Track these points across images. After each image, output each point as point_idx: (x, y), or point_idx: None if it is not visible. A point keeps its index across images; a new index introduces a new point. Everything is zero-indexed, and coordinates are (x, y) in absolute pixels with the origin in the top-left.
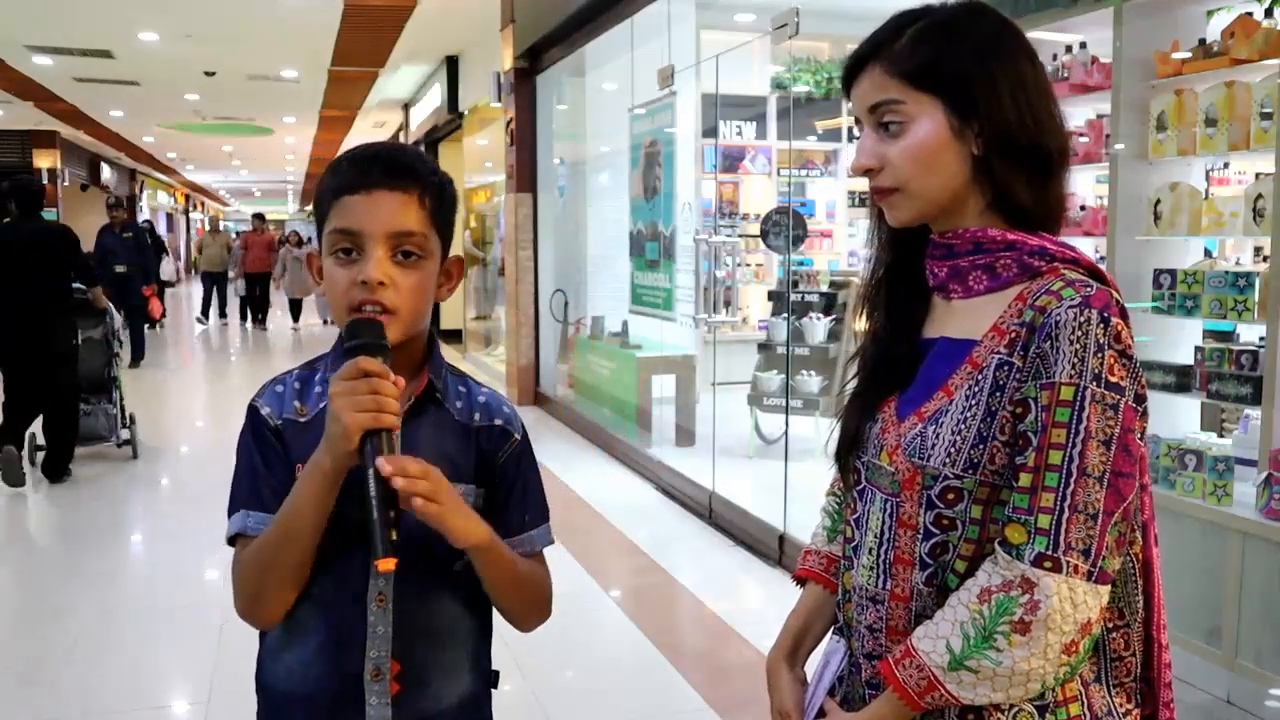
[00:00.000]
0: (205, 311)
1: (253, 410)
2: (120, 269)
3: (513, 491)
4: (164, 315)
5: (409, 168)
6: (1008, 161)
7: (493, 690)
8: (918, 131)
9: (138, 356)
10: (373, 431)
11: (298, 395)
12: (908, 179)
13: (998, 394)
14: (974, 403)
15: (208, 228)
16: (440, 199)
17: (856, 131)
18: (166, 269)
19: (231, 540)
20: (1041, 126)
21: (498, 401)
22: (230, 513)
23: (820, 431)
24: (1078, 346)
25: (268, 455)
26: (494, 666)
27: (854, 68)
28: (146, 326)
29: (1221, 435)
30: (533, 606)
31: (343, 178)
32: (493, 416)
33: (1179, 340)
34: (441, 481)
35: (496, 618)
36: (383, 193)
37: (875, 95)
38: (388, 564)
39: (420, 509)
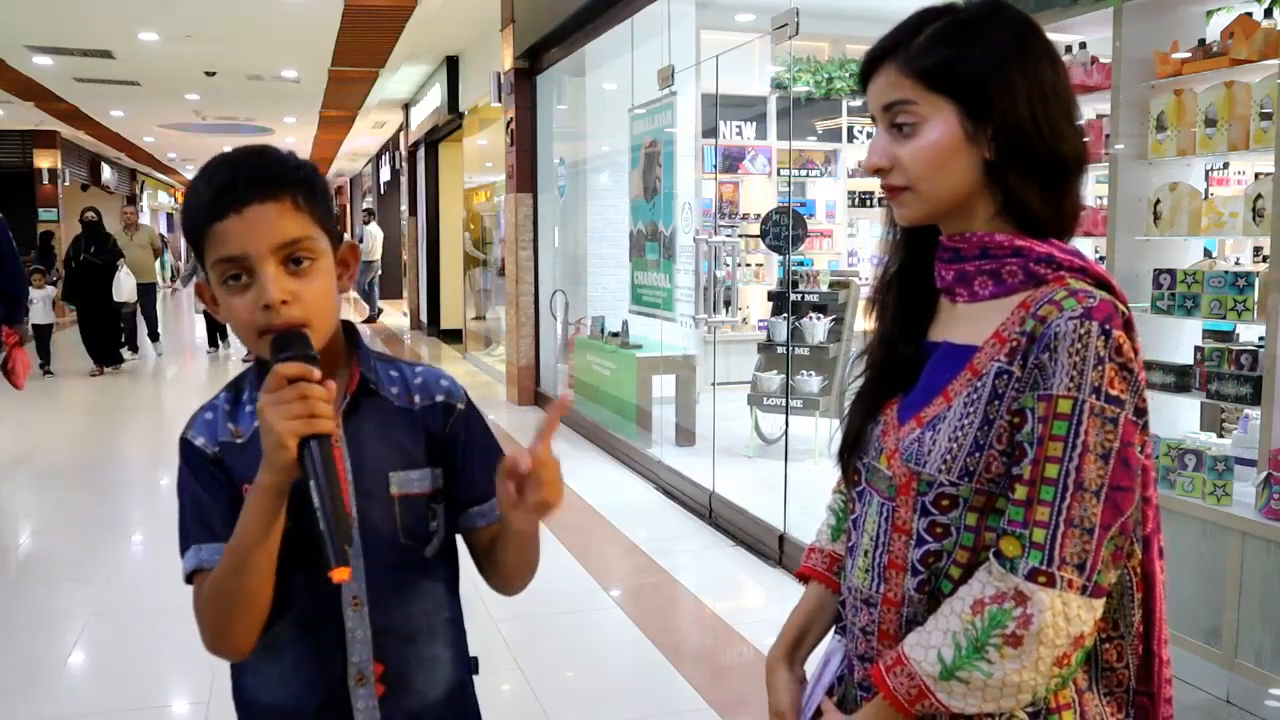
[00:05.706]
0: (124, 342)
1: (185, 443)
2: None
3: (470, 456)
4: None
5: (273, 173)
6: (1020, 168)
7: (474, 676)
8: (929, 133)
9: None
10: (309, 437)
11: (229, 417)
12: (917, 180)
13: (996, 402)
14: (972, 410)
15: (122, 222)
16: (313, 193)
17: (863, 129)
18: (125, 286)
19: (190, 579)
20: (1058, 133)
21: (434, 376)
22: (182, 551)
23: (820, 431)
24: (1076, 359)
25: (209, 484)
26: (488, 662)
27: (871, 65)
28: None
29: (1221, 435)
30: (529, 570)
31: (207, 205)
32: (432, 394)
33: (1179, 340)
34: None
35: (469, 602)
36: (254, 207)
37: (889, 94)
38: (342, 574)
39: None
